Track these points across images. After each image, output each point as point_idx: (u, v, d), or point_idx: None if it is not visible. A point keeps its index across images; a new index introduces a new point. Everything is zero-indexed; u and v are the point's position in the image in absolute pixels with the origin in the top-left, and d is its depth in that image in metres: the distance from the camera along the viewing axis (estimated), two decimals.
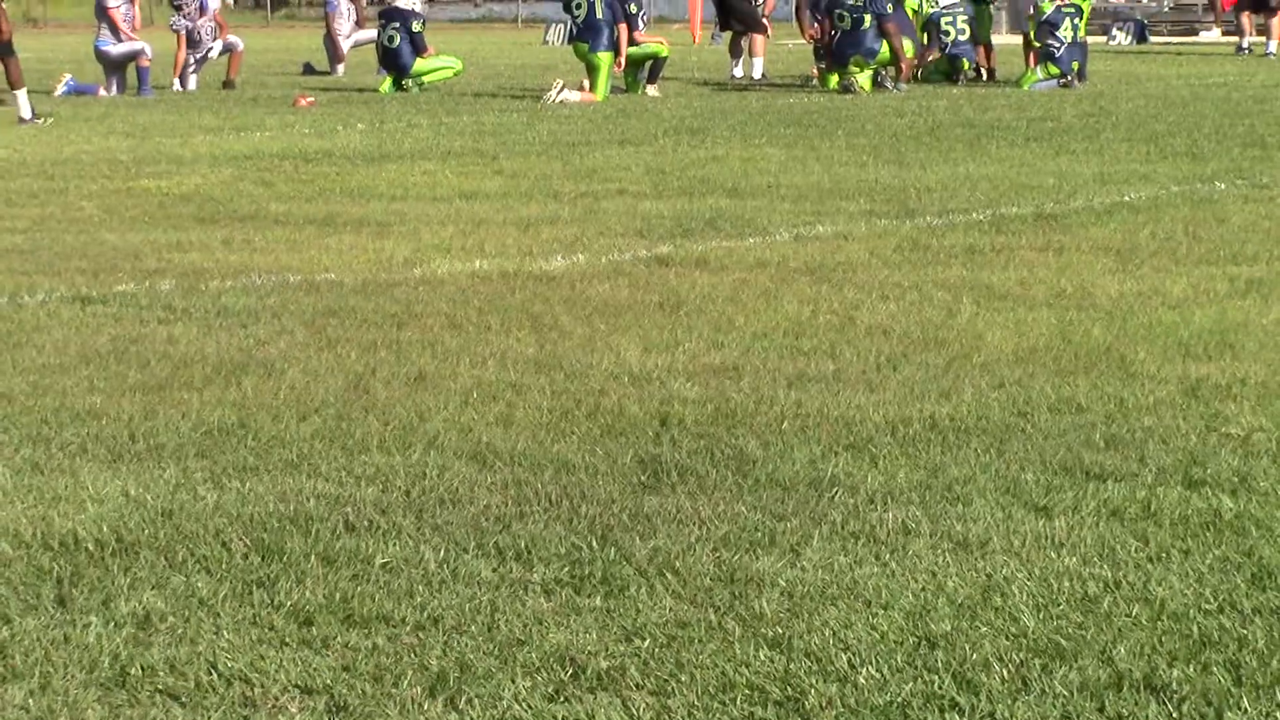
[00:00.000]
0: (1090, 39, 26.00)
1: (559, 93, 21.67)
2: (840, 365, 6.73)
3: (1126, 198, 11.63)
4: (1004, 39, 30.65)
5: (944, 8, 24.49)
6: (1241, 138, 15.77)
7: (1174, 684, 3.72)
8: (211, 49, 25.21)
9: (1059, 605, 4.18)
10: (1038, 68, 23.38)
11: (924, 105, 20.25)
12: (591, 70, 22.45)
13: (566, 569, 4.46)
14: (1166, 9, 44.62)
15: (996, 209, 11.13)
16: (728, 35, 28.18)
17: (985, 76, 24.75)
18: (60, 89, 23.69)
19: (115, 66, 24.23)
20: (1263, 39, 31.00)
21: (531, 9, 58.23)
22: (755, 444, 5.60)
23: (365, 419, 5.97)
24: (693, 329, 7.42)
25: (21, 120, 19.05)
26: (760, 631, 4.04)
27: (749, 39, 26.55)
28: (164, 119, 19.63)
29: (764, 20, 26.72)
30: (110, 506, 5.01)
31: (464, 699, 3.72)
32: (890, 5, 22.48)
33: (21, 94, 19.32)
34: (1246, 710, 3.62)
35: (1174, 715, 3.61)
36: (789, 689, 3.74)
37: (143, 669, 3.88)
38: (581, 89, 22.20)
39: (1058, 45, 23.18)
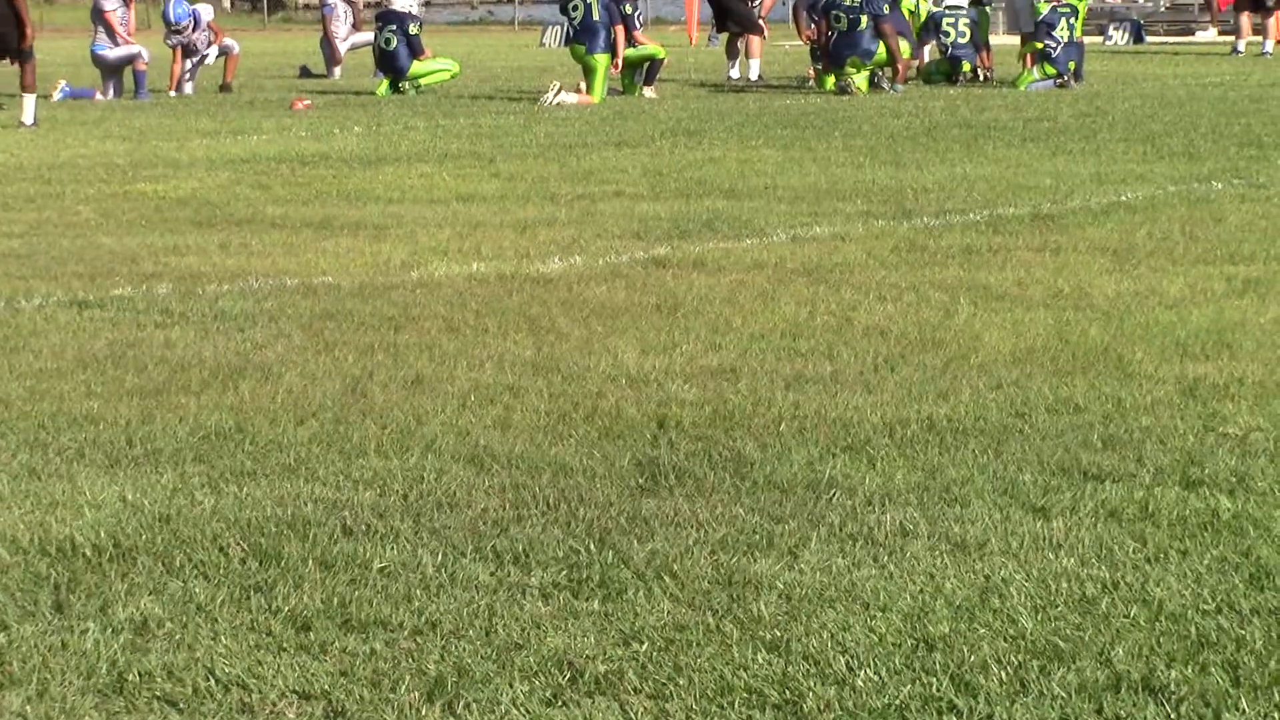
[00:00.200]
0: (1087, 39, 26.03)
1: (556, 95, 21.69)
2: (838, 366, 6.73)
3: (1123, 198, 11.64)
4: (1000, 39, 30.66)
5: (947, 8, 24.48)
6: (1238, 137, 15.78)
7: (1172, 685, 3.72)
8: (206, 55, 25.20)
9: (1057, 606, 4.18)
10: (1034, 68, 23.39)
11: (921, 106, 20.26)
12: (588, 72, 22.47)
13: (564, 572, 4.46)
14: (1163, 9, 44.65)
15: (993, 209, 11.13)
16: (724, 37, 28.23)
17: (983, 78, 24.75)
18: (57, 94, 23.69)
19: (112, 70, 24.25)
20: (1259, 39, 30.99)
21: (528, 11, 58.25)
22: (753, 446, 5.60)
23: (363, 422, 5.96)
24: (690, 330, 7.42)
25: (22, 124, 19.11)
26: (758, 634, 4.04)
27: (746, 40, 26.56)
28: (161, 123, 19.63)
29: (760, 22, 26.73)
30: (107, 512, 5.00)
31: (462, 704, 3.72)
32: (886, 6, 22.51)
33: (30, 98, 19.40)
34: (1245, 711, 3.62)
35: (1172, 716, 3.60)
36: (787, 692, 3.74)
37: (140, 675, 3.87)
38: (578, 91, 22.21)
39: (1054, 45, 23.19)
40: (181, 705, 3.75)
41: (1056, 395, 6.20)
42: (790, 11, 27.91)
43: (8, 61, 19.80)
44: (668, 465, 5.39)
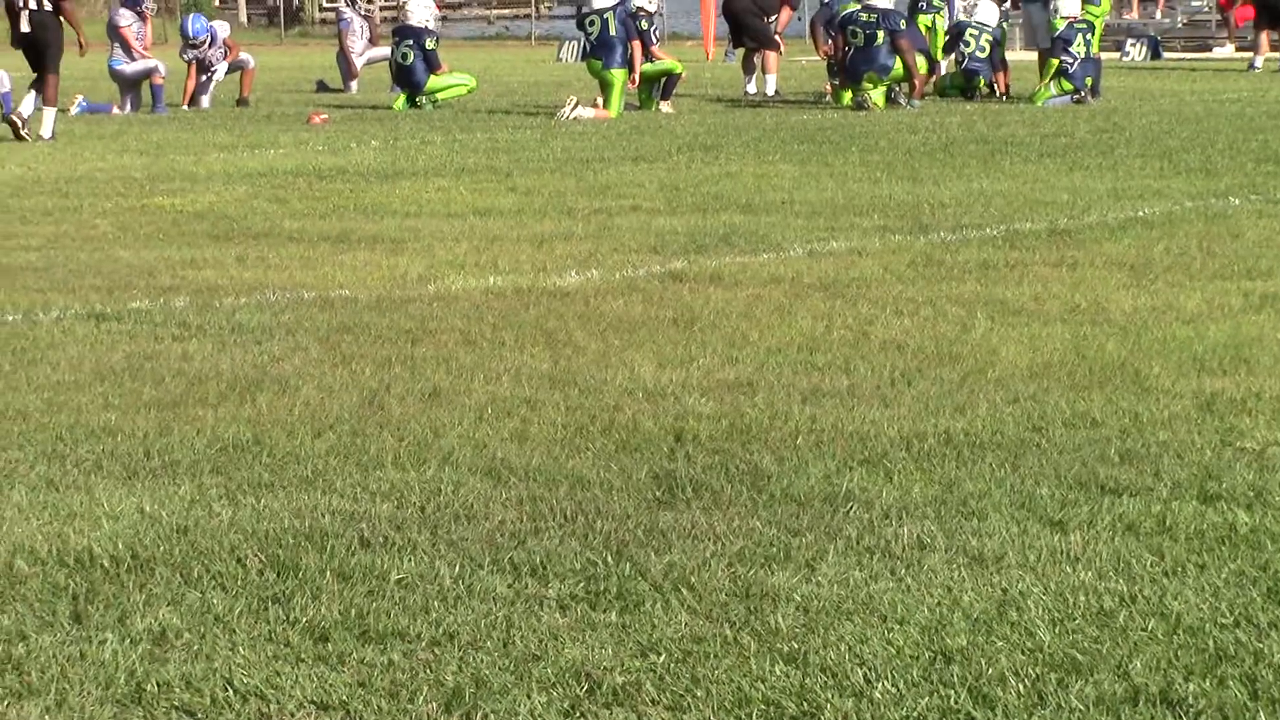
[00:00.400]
0: (1104, 55, 26.00)
1: (572, 109, 21.70)
2: (855, 380, 6.73)
3: (1140, 213, 11.63)
4: (1017, 55, 30.64)
5: (976, 21, 24.41)
6: (1255, 153, 15.76)
7: (1190, 698, 3.72)
8: (216, 70, 25.21)
9: (1074, 620, 4.17)
10: (1051, 84, 23.37)
11: (937, 121, 20.26)
12: (605, 87, 22.47)
13: (582, 584, 4.46)
14: (1180, 25, 44.61)
15: (1010, 224, 11.12)
16: (741, 52, 28.21)
17: (999, 97, 24.70)
18: (74, 108, 23.74)
19: (129, 85, 24.30)
20: (1276, 55, 30.93)
21: (545, 26, 58.33)
22: (770, 459, 5.60)
23: (380, 435, 5.97)
24: (707, 344, 7.42)
25: (40, 137, 19.17)
26: (776, 646, 4.04)
27: (762, 56, 26.56)
28: (178, 136, 19.68)
29: (777, 37, 26.74)
30: (125, 523, 5.01)
31: (479, 715, 3.72)
32: (903, 21, 22.51)
33: (50, 112, 19.48)
34: None
35: None
36: (805, 704, 3.74)
37: (158, 685, 3.88)
38: (595, 106, 22.22)
39: (1071, 61, 23.17)
40: (199, 716, 3.75)
41: (1074, 409, 6.20)
42: (807, 27, 27.90)
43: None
44: (685, 478, 5.39)
